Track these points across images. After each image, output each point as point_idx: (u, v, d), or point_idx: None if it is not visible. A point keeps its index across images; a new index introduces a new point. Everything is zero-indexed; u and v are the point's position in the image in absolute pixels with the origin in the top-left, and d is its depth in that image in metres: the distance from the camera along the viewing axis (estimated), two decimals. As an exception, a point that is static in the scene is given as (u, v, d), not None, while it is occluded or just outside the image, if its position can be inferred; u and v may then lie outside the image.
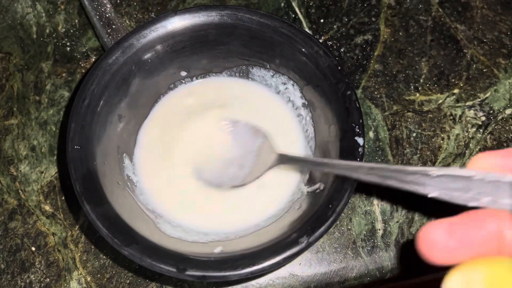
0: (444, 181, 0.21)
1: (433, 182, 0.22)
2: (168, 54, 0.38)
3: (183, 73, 0.40)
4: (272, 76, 0.40)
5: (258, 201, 0.38)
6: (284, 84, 0.40)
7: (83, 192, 0.31)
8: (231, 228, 0.37)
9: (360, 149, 0.32)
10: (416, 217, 0.40)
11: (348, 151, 0.32)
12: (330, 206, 0.31)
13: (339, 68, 0.35)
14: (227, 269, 0.29)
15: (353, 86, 0.34)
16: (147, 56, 0.37)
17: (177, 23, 0.36)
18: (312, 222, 0.31)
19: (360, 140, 0.33)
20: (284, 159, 0.36)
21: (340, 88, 0.34)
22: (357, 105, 0.34)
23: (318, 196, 0.34)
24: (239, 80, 0.42)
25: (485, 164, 0.21)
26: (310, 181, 0.37)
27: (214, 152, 0.39)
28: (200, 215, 0.37)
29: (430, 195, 0.22)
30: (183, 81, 0.41)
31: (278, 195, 0.38)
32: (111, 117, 0.36)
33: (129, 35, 0.35)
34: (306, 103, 0.39)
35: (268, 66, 0.39)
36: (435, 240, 0.20)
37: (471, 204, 0.20)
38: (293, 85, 0.39)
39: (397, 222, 0.39)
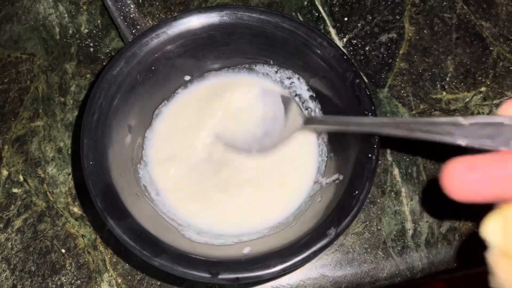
0: (474, 129, 0.22)
1: (462, 132, 0.22)
2: (171, 60, 0.37)
3: (187, 77, 0.40)
4: (276, 71, 0.40)
5: (279, 197, 0.38)
6: (289, 78, 0.40)
7: (105, 208, 0.31)
8: (256, 228, 0.37)
9: (375, 136, 0.32)
10: (446, 216, 0.39)
11: (364, 139, 0.33)
12: (354, 194, 0.31)
13: (345, 57, 0.34)
14: (259, 268, 0.29)
15: (361, 74, 0.34)
16: (151, 63, 0.36)
17: (177, 27, 0.36)
18: (337, 213, 0.31)
19: None
20: (311, 121, 0.36)
21: (348, 77, 0.34)
22: (367, 92, 0.33)
23: (337, 187, 0.34)
24: (243, 78, 0.41)
25: None
26: (327, 172, 0.37)
27: (241, 121, 0.39)
28: (222, 217, 0.37)
29: (459, 144, 0.22)
30: (188, 85, 0.41)
31: (297, 189, 0.38)
32: (121, 128, 0.36)
33: (131, 44, 0.35)
34: (314, 95, 0.39)
35: (271, 62, 0.39)
36: (457, 174, 0.21)
37: (500, 149, 0.21)
38: (298, 78, 0.39)
39: (427, 221, 0.39)
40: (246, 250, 0.32)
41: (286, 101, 0.38)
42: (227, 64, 0.40)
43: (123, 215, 0.31)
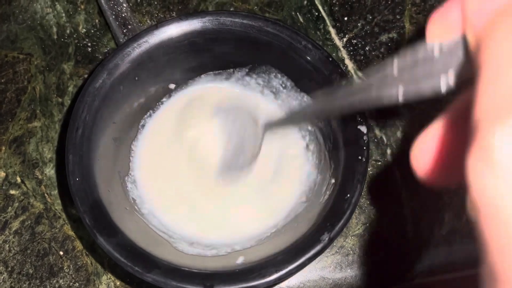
0: (408, 74, 0.18)
1: (396, 82, 0.18)
2: (154, 69, 0.37)
3: (172, 86, 0.40)
4: (261, 76, 0.39)
5: (269, 203, 0.38)
6: (274, 82, 0.39)
7: (94, 225, 0.30)
8: (247, 236, 0.36)
9: (364, 137, 0.32)
10: (447, 218, 0.39)
11: (352, 140, 0.32)
12: (345, 198, 0.31)
13: (330, 59, 0.34)
14: (254, 278, 0.29)
15: (347, 76, 0.34)
16: (134, 74, 0.36)
17: (159, 36, 0.35)
18: (329, 217, 0.31)
19: (363, 128, 0.32)
20: (272, 125, 0.35)
21: (335, 79, 0.34)
22: None
23: (329, 191, 0.33)
24: (229, 84, 0.41)
25: (442, 28, 0.17)
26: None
27: (217, 148, 0.39)
28: (212, 226, 0.37)
29: (396, 98, 0.18)
30: (172, 94, 0.40)
31: (287, 195, 0.38)
32: (107, 142, 0.35)
33: (113, 55, 0.34)
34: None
35: (256, 66, 0.39)
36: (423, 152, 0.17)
37: (442, 84, 0.16)
38: (283, 83, 0.39)
39: (428, 223, 0.39)
40: (240, 260, 0.32)
41: (242, 114, 0.38)
42: (212, 70, 0.40)
43: (112, 232, 0.30)
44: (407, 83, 0.18)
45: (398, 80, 0.18)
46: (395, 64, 0.18)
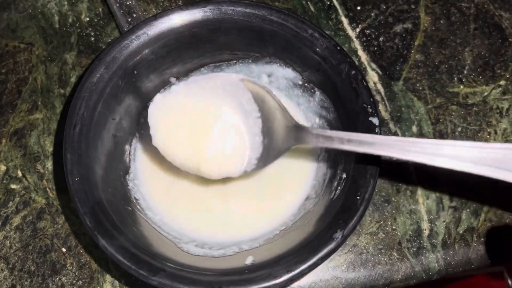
0: None
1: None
2: (154, 62, 0.35)
3: (172, 79, 0.38)
4: (267, 67, 0.38)
5: (277, 199, 0.36)
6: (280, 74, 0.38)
7: (95, 227, 0.29)
8: (255, 234, 0.35)
9: (376, 130, 0.31)
10: (464, 216, 0.38)
11: (364, 133, 0.31)
12: (358, 193, 0.29)
13: (339, 48, 0.33)
14: (264, 280, 0.28)
15: (357, 66, 0.33)
16: (132, 67, 0.34)
17: (158, 27, 0.34)
18: (342, 214, 0.29)
19: (375, 120, 0.31)
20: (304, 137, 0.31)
21: (343, 69, 0.32)
22: (365, 83, 0.32)
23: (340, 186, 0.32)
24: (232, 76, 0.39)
25: None
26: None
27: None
28: (218, 224, 0.36)
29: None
30: (173, 87, 0.38)
31: (296, 190, 0.37)
32: (106, 139, 0.34)
33: (110, 48, 0.33)
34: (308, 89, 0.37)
35: (260, 57, 0.37)
36: None
37: None
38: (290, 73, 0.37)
39: (444, 221, 0.38)
40: (249, 260, 0.30)
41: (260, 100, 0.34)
42: (213, 62, 0.38)
43: (115, 233, 0.29)
44: None
45: None
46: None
